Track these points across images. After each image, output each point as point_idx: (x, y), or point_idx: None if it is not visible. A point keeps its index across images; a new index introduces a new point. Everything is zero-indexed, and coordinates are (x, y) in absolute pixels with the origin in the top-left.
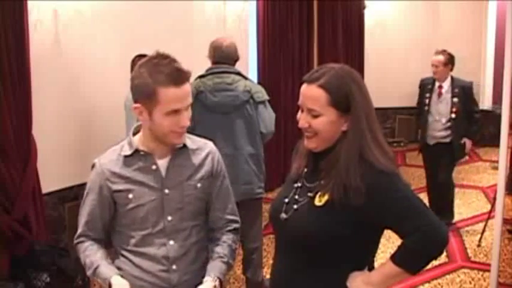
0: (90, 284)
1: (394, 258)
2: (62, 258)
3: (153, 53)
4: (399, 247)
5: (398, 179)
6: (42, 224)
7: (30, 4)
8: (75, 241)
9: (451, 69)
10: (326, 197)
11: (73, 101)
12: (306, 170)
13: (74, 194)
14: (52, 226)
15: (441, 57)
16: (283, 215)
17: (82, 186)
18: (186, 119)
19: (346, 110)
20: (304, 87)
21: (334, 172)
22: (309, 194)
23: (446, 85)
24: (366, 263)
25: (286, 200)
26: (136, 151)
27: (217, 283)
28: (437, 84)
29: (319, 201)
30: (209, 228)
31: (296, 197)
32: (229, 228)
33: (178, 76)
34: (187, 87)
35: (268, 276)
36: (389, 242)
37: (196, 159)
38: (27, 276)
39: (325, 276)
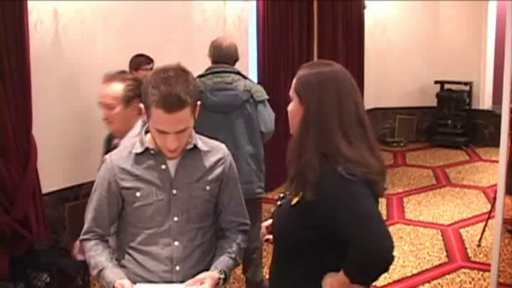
0: (90, 284)
1: (343, 266)
2: (62, 258)
3: (173, 64)
4: (347, 256)
5: (356, 183)
6: (42, 224)
7: (30, 4)
8: (81, 237)
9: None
10: (298, 197)
11: (73, 100)
12: None
13: (74, 194)
14: (52, 226)
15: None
16: (273, 210)
17: (82, 186)
18: (171, 143)
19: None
20: None
21: (292, 168)
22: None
23: None
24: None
25: (282, 195)
26: (147, 149)
27: (222, 276)
28: None
29: (293, 200)
30: (219, 228)
31: (287, 193)
32: (239, 228)
33: (171, 103)
34: (179, 116)
35: (268, 276)
36: None
37: (207, 162)
38: (27, 276)
39: (297, 273)
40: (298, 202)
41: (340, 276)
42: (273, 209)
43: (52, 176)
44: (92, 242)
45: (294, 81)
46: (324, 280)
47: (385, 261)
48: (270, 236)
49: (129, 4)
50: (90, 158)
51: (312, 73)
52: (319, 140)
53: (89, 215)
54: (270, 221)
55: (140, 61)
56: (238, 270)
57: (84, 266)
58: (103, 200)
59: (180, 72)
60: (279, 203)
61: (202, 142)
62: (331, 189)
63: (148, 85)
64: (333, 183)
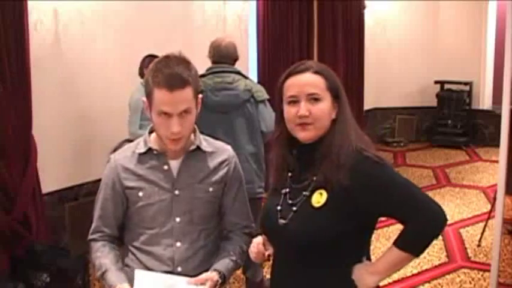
0: (90, 284)
1: (398, 244)
2: (62, 258)
3: (173, 52)
4: (402, 232)
5: (390, 166)
6: (42, 224)
7: (30, 4)
8: (89, 237)
9: None
10: (325, 196)
11: (73, 100)
12: (290, 174)
13: (74, 194)
14: (52, 226)
15: None
16: (282, 221)
17: (82, 186)
18: (176, 124)
19: (336, 97)
20: (296, 78)
21: (327, 161)
22: (304, 193)
23: None
24: (365, 253)
25: (279, 208)
26: (150, 150)
27: (220, 280)
28: None
29: (317, 202)
30: (223, 229)
31: (290, 201)
32: (243, 231)
33: (173, 80)
34: (181, 94)
35: (268, 276)
36: (389, 242)
37: (211, 163)
38: (27, 276)
39: (334, 273)
40: (327, 200)
41: (391, 256)
42: (282, 222)
43: (52, 176)
44: (99, 243)
45: (321, 80)
46: (356, 272)
47: (445, 225)
48: (270, 251)
49: (129, 4)
50: (90, 158)
51: (326, 68)
52: (354, 128)
53: (95, 214)
54: (260, 238)
55: None
56: (238, 270)
57: (84, 266)
58: (108, 199)
59: (182, 58)
60: (294, 208)
61: (207, 143)
62: (372, 172)
63: (150, 73)
64: (371, 167)
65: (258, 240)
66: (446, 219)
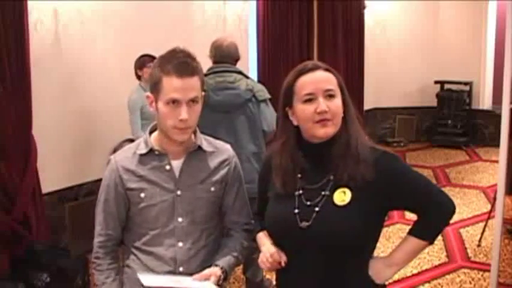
0: (90, 284)
1: (415, 233)
2: (62, 258)
3: (178, 46)
4: (418, 222)
5: (401, 160)
6: (42, 224)
7: (30, 4)
8: (95, 241)
9: None
10: (349, 194)
11: (73, 100)
12: (299, 175)
13: (74, 194)
14: (52, 226)
15: None
16: (305, 223)
17: (82, 186)
18: (184, 112)
19: (343, 95)
20: (309, 76)
21: (347, 159)
22: (324, 193)
23: None
24: (375, 248)
25: (297, 211)
26: (151, 150)
27: (223, 276)
28: None
29: (341, 200)
30: (223, 227)
31: (307, 202)
32: (243, 228)
33: (183, 68)
34: (190, 81)
35: (268, 277)
36: (389, 242)
37: (212, 162)
38: (27, 276)
39: (354, 269)
40: (352, 198)
41: (408, 246)
42: (305, 224)
43: (52, 176)
44: (104, 262)
45: (333, 77)
46: (373, 266)
47: (453, 214)
48: (285, 258)
49: (129, 4)
50: (90, 158)
51: (330, 67)
52: (360, 126)
53: (99, 217)
54: (271, 248)
55: (144, 60)
56: (238, 270)
57: (84, 266)
58: (111, 200)
59: (187, 52)
60: (316, 209)
61: (208, 143)
62: (393, 166)
63: (157, 65)
64: (391, 161)
65: (271, 250)
66: (455, 207)
